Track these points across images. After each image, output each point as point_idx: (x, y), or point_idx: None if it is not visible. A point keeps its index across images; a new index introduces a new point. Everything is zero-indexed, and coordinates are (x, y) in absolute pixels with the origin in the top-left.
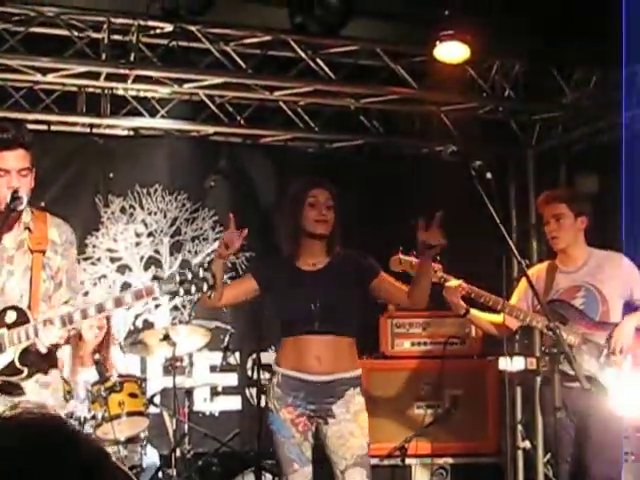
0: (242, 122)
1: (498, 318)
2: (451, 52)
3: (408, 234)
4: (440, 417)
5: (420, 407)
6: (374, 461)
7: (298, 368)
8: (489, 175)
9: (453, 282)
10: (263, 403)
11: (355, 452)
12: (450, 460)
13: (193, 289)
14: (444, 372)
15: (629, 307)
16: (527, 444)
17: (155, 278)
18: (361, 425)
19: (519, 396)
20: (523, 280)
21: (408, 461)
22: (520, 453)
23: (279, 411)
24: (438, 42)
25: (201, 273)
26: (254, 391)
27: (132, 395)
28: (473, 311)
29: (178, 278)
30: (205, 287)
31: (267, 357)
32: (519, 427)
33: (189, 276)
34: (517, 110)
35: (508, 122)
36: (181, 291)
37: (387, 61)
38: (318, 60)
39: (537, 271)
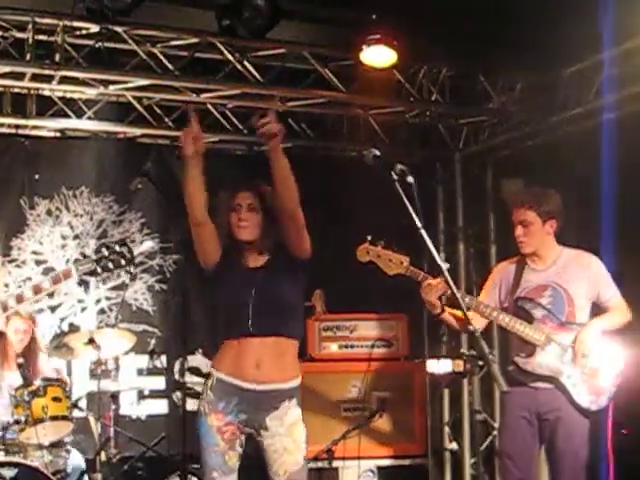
0: (170, 124)
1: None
2: (378, 56)
3: (337, 236)
4: (367, 419)
5: (348, 409)
6: None
7: (235, 374)
8: (410, 179)
9: (434, 281)
10: (189, 406)
11: (288, 468)
12: (378, 462)
13: (110, 265)
14: (372, 375)
15: (598, 308)
16: (454, 445)
17: (74, 262)
18: (296, 439)
19: (447, 398)
20: (491, 277)
21: (335, 463)
22: (447, 454)
23: (208, 416)
24: (365, 46)
25: (117, 248)
26: (181, 394)
27: (56, 399)
28: (447, 310)
29: (95, 257)
30: (123, 262)
31: (194, 360)
32: (446, 429)
33: (106, 253)
34: (444, 114)
35: (436, 126)
36: (99, 269)
37: (315, 64)
38: (246, 63)
39: (506, 266)
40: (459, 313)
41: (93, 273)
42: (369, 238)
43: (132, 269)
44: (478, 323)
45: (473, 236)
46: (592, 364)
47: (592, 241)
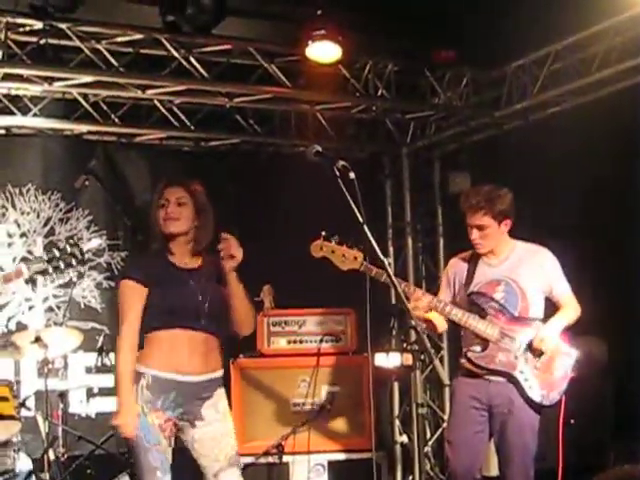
0: (116, 121)
1: (430, 316)
2: (323, 52)
3: (287, 232)
4: (317, 414)
5: (297, 404)
6: (250, 459)
7: (170, 368)
8: (352, 175)
9: (419, 302)
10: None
11: (228, 452)
12: (328, 457)
13: (62, 265)
14: (320, 369)
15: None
16: (404, 438)
17: (23, 260)
18: (229, 424)
19: (396, 392)
20: (445, 272)
21: (285, 458)
22: (398, 448)
23: (147, 415)
24: (310, 42)
25: (69, 249)
26: None
27: (2, 399)
28: (433, 314)
29: (46, 257)
30: (74, 261)
31: None
32: (397, 422)
33: (57, 253)
34: (391, 109)
35: (383, 121)
36: (50, 269)
37: (261, 60)
38: (191, 59)
39: (459, 261)
40: (428, 315)
41: (44, 273)
42: (323, 234)
43: (83, 269)
44: (441, 324)
45: (421, 230)
46: (545, 359)
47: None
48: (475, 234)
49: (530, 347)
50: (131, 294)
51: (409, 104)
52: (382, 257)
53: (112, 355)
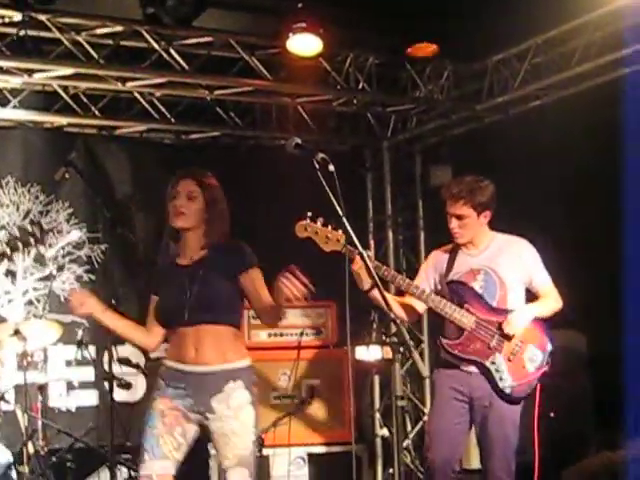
0: (97, 113)
1: (406, 300)
2: (304, 44)
3: (267, 224)
4: (297, 407)
5: (277, 398)
6: None
7: (178, 359)
8: (331, 168)
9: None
10: (118, 397)
11: (237, 451)
12: (309, 449)
13: (20, 245)
14: (301, 363)
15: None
16: (385, 432)
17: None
18: (244, 422)
19: (377, 385)
20: (425, 262)
21: (266, 451)
22: (379, 441)
23: (155, 400)
24: (291, 34)
25: (29, 228)
26: (111, 385)
27: None
28: (392, 296)
29: (6, 238)
30: (32, 240)
31: (123, 351)
32: (377, 415)
33: (17, 233)
34: (372, 102)
35: (365, 114)
36: (8, 250)
37: (241, 53)
38: (172, 51)
39: (440, 253)
40: (405, 300)
41: (2, 256)
42: (309, 214)
43: (43, 249)
44: (419, 307)
45: (402, 224)
46: (518, 349)
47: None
48: (454, 223)
49: (502, 334)
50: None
51: (390, 97)
52: (361, 249)
53: (92, 348)
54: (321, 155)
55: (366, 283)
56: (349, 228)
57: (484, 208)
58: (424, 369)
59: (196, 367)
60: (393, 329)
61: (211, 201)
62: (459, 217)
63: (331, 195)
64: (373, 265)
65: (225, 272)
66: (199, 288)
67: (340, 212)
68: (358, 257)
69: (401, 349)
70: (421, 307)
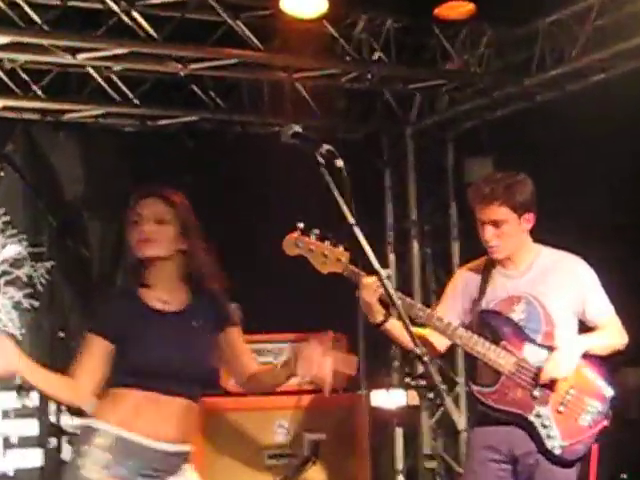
0: (39, 93)
1: (425, 332)
2: (303, 4)
3: (255, 231)
4: (298, 469)
5: (273, 457)
6: None
7: (144, 432)
8: (340, 163)
9: (371, 278)
10: (66, 456)
11: None
12: None
13: None
14: (302, 412)
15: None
16: None
17: None
18: None
19: (400, 439)
20: (451, 285)
21: None
22: None
23: None
24: None
25: None
26: (59, 441)
27: None
28: (393, 320)
29: None
30: None
31: None
32: (400, 478)
33: None
34: (390, 78)
35: (381, 93)
36: None
37: (223, 15)
38: (134, 14)
39: (468, 271)
40: (421, 332)
41: None
42: (300, 226)
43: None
44: (441, 343)
45: (430, 232)
46: (570, 398)
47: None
48: (489, 232)
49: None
50: (95, 350)
51: (414, 71)
52: (378, 267)
53: (34, 395)
54: (326, 147)
55: (378, 314)
56: (363, 240)
57: (525, 209)
58: (459, 420)
59: (167, 446)
60: (420, 369)
61: (186, 227)
62: (496, 224)
63: (338, 198)
64: (387, 292)
65: (210, 328)
66: (192, 351)
67: (351, 220)
68: (365, 280)
69: (430, 395)
70: (443, 343)
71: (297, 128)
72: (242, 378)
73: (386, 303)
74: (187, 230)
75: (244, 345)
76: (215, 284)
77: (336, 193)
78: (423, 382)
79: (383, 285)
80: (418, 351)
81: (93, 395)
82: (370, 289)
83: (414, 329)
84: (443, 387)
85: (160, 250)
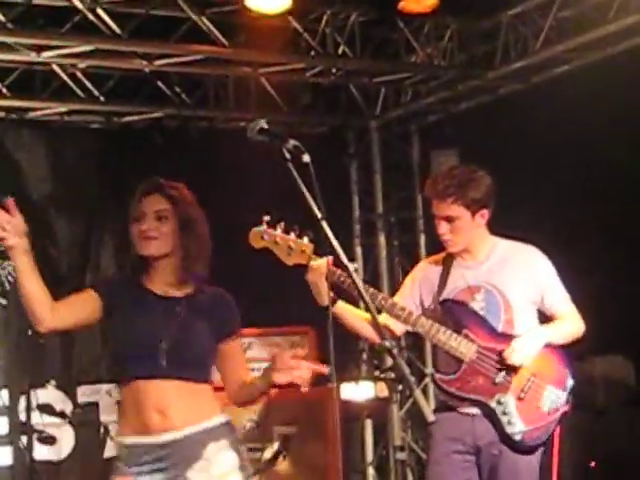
0: (4, 91)
1: (381, 318)
2: (268, 0)
3: (223, 227)
4: (268, 463)
5: None
6: None
7: (139, 430)
8: (306, 158)
9: (319, 261)
10: (39, 455)
11: None
12: None
13: None
14: (272, 405)
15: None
16: None
17: None
18: None
19: (369, 431)
20: (410, 276)
21: None
22: None
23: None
24: None
25: None
26: (29, 440)
27: None
28: (342, 303)
29: None
30: None
31: (45, 395)
32: (370, 470)
33: None
34: (355, 71)
35: (346, 86)
36: None
37: (188, 11)
38: (99, 11)
39: (429, 264)
40: (367, 315)
41: None
42: (266, 219)
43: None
44: (396, 329)
45: (397, 224)
46: (530, 385)
47: (539, 231)
48: (443, 227)
49: (507, 366)
50: (83, 295)
51: (378, 64)
52: (346, 261)
53: (5, 393)
54: (293, 142)
55: (325, 296)
56: (331, 235)
57: (480, 206)
58: (429, 412)
59: (164, 435)
60: (388, 361)
61: (186, 220)
62: (449, 219)
63: (306, 193)
64: (355, 284)
65: (210, 325)
66: (180, 332)
67: (318, 214)
68: (311, 263)
69: (399, 387)
70: (400, 328)
71: (264, 124)
72: (234, 389)
73: (335, 287)
74: (186, 224)
75: (243, 357)
76: (213, 288)
77: (303, 188)
78: (392, 374)
79: (351, 278)
80: (387, 344)
81: (56, 323)
82: (316, 271)
83: (367, 314)
84: (412, 379)
85: (160, 248)
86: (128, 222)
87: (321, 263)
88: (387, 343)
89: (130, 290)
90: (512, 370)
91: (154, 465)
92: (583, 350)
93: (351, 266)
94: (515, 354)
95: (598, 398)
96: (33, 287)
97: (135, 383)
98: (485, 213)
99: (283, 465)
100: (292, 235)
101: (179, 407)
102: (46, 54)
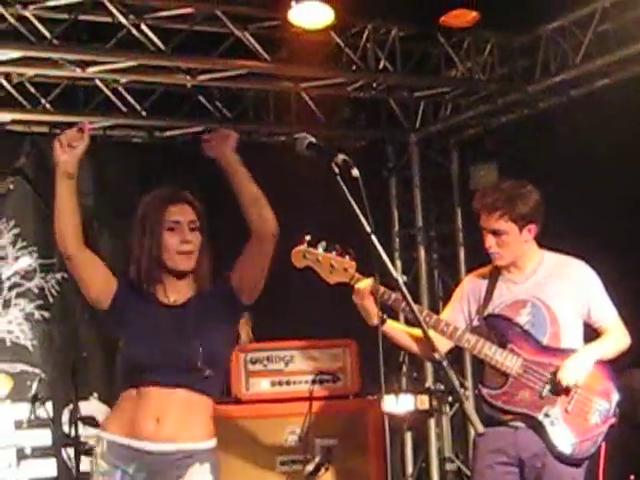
0: (48, 106)
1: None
2: (310, 15)
3: None
4: (310, 475)
5: (285, 463)
6: None
7: (130, 432)
8: (355, 172)
9: (364, 282)
10: (83, 467)
11: None
12: None
13: None
14: (313, 418)
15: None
16: None
17: None
18: None
19: (409, 444)
20: (457, 290)
21: None
22: None
23: None
24: (293, 2)
25: None
26: (73, 452)
27: None
28: (391, 322)
29: None
30: None
31: (88, 408)
32: None
33: None
34: (395, 86)
35: (386, 101)
36: None
37: (231, 27)
38: (143, 27)
39: (475, 278)
40: (419, 332)
41: None
42: (307, 239)
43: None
44: (441, 346)
45: (437, 238)
46: (578, 397)
47: (585, 243)
48: (491, 241)
49: (555, 381)
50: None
51: (418, 79)
52: (396, 274)
53: (49, 405)
54: (342, 157)
55: (373, 317)
56: (381, 250)
57: (527, 221)
58: (478, 424)
59: (155, 444)
60: (429, 374)
61: (204, 232)
62: (496, 233)
63: (355, 207)
64: (405, 298)
65: (221, 313)
66: (187, 340)
67: (368, 229)
68: (357, 286)
69: (449, 398)
70: (445, 345)
71: (312, 139)
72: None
73: (383, 306)
74: (204, 239)
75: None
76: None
77: (352, 202)
78: (442, 387)
79: (401, 291)
80: (437, 356)
81: (78, 255)
82: (360, 293)
83: (415, 330)
84: (463, 391)
85: (193, 262)
86: (150, 232)
87: (366, 284)
88: (438, 356)
89: (138, 294)
90: (562, 384)
91: (140, 472)
92: (621, 362)
93: (401, 279)
94: (568, 376)
95: (637, 410)
96: (64, 212)
97: (144, 389)
98: (533, 228)
99: (325, 477)
100: (334, 254)
101: (178, 420)
102: (90, 70)
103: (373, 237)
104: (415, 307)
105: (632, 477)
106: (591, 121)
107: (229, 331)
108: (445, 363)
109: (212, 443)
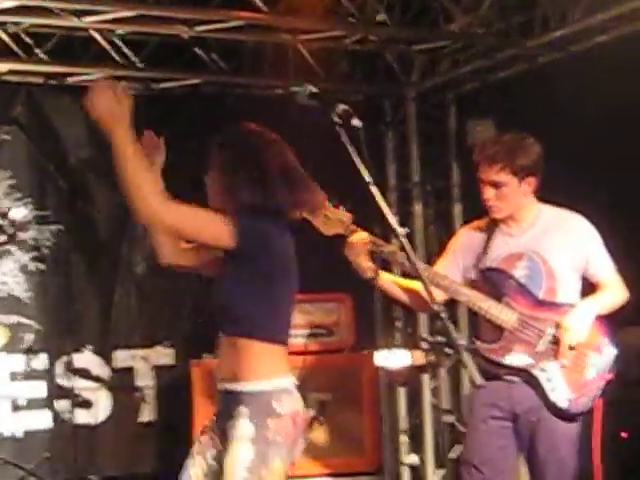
0: (43, 57)
1: (417, 285)
2: None
3: None
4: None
5: None
6: None
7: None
8: (356, 122)
9: (357, 236)
10: (78, 418)
11: None
12: None
13: None
14: (307, 372)
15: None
16: (414, 459)
17: None
18: (234, 460)
19: (403, 399)
20: (452, 243)
21: None
22: (406, 470)
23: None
24: None
25: None
26: (67, 404)
27: None
28: (385, 274)
29: None
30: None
31: (82, 360)
32: (404, 438)
33: None
34: (393, 39)
35: (383, 54)
36: None
37: None
38: None
39: (470, 230)
40: (413, 285)
41: None
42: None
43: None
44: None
45: (432, 193)
46: (573, 354)
47: (580, 202)
48: (489, 193)
49: (554, 339)
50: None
51: (416, 32)
52: (396, 225)
53: (44, 357)
54: (342, 107)
55: (367, 271)
56: (381, 199)
57: (527, 174)
58: (478, 375)
59: (220, 384)
60: (423, 328)
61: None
62: (495, 185)
63: (355, 157)
64: (405, 251)
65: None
66: (214, 289)
67: (367, 178)
68: (349, 239)
69: (448, 351)
70: (439, 297)
71: (313, 89)
72: None
73: (375, 260)
74: None
75: None
76: None
77: (352, 152)
78: (441, 339)
79: (400, 242)
80: (436, 307)
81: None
82: (353, 247)
83: (409, 282)
84: (462, 343)
85: None
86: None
87: (359, 238)
88: (437, 307)
89: None
90: (564, 345)
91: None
92: (617, 320)
93: (401, 230)
94: (570, 335)
95: (631, 368)
96: (139, 168)
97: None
98: (532, 181)
99: (319, 431)
100: (329, 205)
101: (228, 361)
102: (87, 19)
103: (373, 187)
104: (415, 258)
105: (624, 434)
106: (590, 77)
107: (239, 279)
108: (444, 314)
109: (253, 386)
